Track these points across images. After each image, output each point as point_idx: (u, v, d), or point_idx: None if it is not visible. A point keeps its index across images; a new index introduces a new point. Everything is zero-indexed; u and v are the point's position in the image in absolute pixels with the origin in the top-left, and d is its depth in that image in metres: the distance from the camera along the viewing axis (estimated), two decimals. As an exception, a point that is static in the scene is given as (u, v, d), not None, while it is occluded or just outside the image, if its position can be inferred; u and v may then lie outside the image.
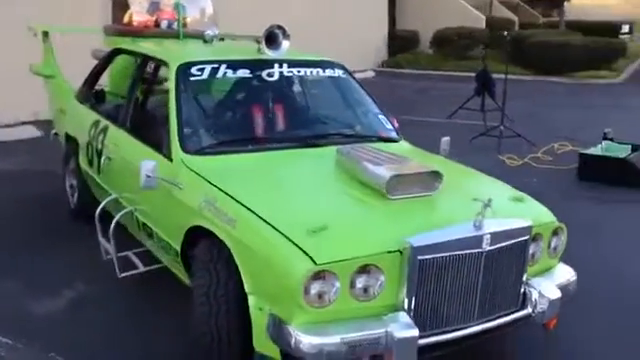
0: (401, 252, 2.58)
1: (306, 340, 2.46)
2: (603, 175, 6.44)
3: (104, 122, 4.44)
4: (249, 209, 2.83)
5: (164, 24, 5.39)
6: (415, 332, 2.51)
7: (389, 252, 2.58)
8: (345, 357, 2.50)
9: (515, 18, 21.75)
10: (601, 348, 3.45)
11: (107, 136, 4.28)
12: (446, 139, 3.98)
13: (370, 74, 15.68)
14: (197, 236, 3.09)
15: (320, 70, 4.16)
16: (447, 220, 2.76)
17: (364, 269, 2.54)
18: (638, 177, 6.27)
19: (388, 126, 4.09)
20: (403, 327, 2.51)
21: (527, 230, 2.88)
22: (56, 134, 5.76)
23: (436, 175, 3.00)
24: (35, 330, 3.53)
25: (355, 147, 3.36)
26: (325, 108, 4.17)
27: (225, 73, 3.87)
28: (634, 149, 6.77)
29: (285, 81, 4.05)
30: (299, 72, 4.06)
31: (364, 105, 4.19)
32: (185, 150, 3.45)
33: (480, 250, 2.70)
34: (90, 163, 4.61)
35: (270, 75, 3.95)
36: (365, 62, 16.15)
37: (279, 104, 3.97)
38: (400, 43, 18.45)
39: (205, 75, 3.82)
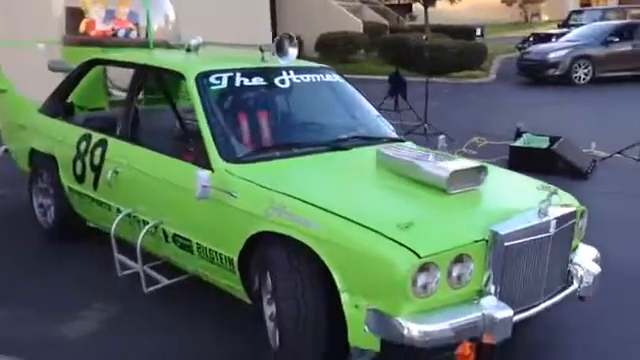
0: (486, 240, 2.81)
1: (418, 329, 2.63)
2: (532, 165, 6.99)
3: (98, 136, 4.30)
4: (327, 210, 2.93)
5: (121, 33, 5.29)
6: (510, 312, 2.77)
7: (476, 241, 2.80)
8: (449, 341, 2.69)
9: (387, 22, 22.80)
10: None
11: (109, 150, 4.15)
12: (442, 137, 4.28)
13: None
14: (259, 242, 3.14)
15: (321, 76, 4.29)
16: (515, 209, 3.03)
17: (458, 259, 2.75)
18: (564, 164, 6.93)
19: (391, 127, 4.31)
20: (500, 309, 2.75)
21: (574, 214, 3.23)
22: (6, 150, 5.45)
23: (482, 169, 3.26)
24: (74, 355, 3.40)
25: (394, 148, 3.56)
26: (336, 112, 4.29)
27: (242, 81, 3.91)
28: (552, 140, 7.46)
29: (296, 88, 4.14)
30: (305, 79, 4.17)
31: (365, 108, 4.37)
32: (226, 159, 3.46)
33: (548, 234, 3.00)
34: (79, 179, 4.43)
35: (282, 82, 4.04)
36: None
37: (298, 110, 4.08)
38: (284, 48, 18.65)
39: (224, 84, 3.84)
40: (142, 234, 3.77)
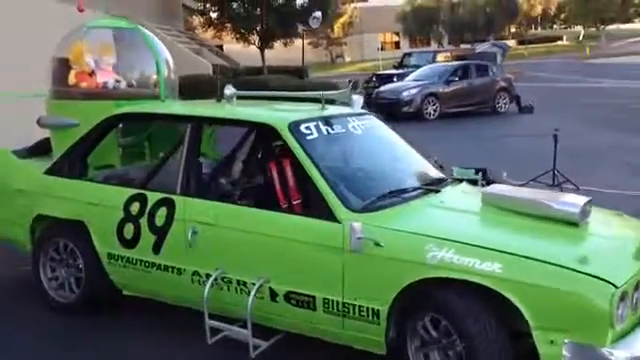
0: None
1: (625, 356, 2.85)
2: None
3: (157, 195, 4.00)
4: (500, 251, 3.06)
5: (110, 84, 4.92)
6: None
7: None
8: None
9: (226, 64, 22.94)
10: None
11: (180, 209, 3.88)
12: (504, 174, 4.56)
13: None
14: (412, 289, 3.18)
15: (368, 121, 4.38)
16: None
17: (638, 285, 3.01)
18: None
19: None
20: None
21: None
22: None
23: (590, 202, 3.59)
24: None
25: (499, 188, 3.77)
26: (398, 155, 4.35)
27: (327, 130, 3.91)
28: (476, 172, 8.08)
29: (364, 134, 4.18)
30: (364, 124, 4.24)
31: (409, 149, 4.49)
32: (352, 210, 3.44)
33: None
34: (129, 244, 4.07)
35: (355, 129, 4.10)
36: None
37: (378, 156, 4.13)
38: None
39: (315, 133, 3.82)
40: (252, 295, 3.58)
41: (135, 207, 4.05)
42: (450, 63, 19.05)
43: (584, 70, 34.62)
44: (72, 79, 4.92)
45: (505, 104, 17.33)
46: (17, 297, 4.84)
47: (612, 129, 13.40)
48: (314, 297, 3.49)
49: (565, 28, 72.47)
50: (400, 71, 20.67)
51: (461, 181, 4.32)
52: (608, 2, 53.05)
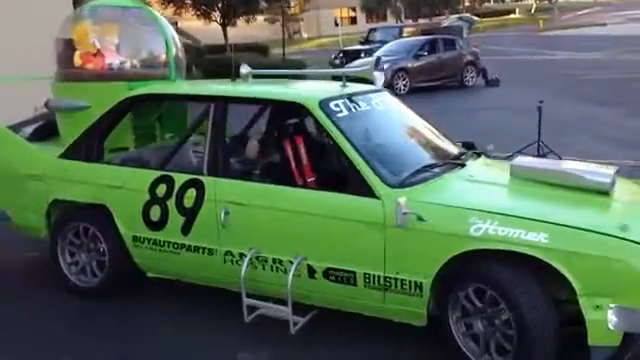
0: None
1: None
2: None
3: (184, 176, 3.97)
4: (545, 221, 3.15)
5: (115, 64, 4.83)
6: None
7: None
8: None
9: (189, 41, 22.65)
10: None
11: (210, 190, 3.87)
12: (491, 147, 4.66)
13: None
14: (456, 261, 3.26)
15: (385, 97, 4.42)
16: None
17: None
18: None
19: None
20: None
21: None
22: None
23: (617, 171, 3.70)
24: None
25: (528, 160, 3.86)
26: (416, 130, 4.39)
27: (355, 107, 3.93)
28: (464, 145, 8.20)
29: (387, 110, 4.22)
30: (382, 101, 4.28)
31: (425, 123, 4.54)
32: (391, 186, 3.49)
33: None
34: (155, 226, 4.05)
35: (377, 105, 4.14)
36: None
37: (403, 131, 4.16)
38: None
39: (344, 110, 3.84)
40: (292, 272, 3.60)
41: (161, 189, 4.01)
42: (418, 38, 19.14)
43: (538, 43, 35.17)
44: (77, 60, 4.82)
45: (472, 77, 17.58)
46: (30, 284, 4.77)
47: (577, 101, 13.74)
48: (354, 272, 3.54)
49: (516, 1, 73.43)
50: (367, 47, 20.70)
51: (479, 155, 4.39)
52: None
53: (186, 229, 3.97)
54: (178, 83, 4.67)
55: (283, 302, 3.69)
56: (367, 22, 52.00)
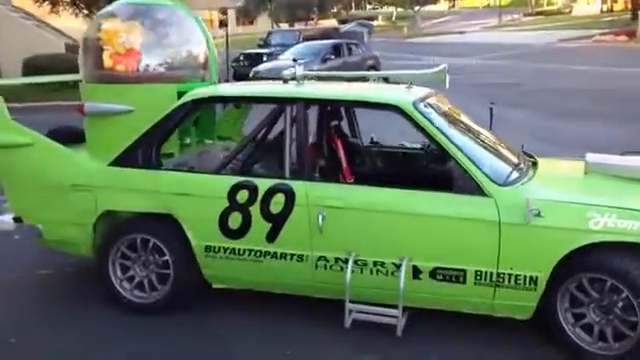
0: None
1: None
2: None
3: (269, 181, 3.82)
4: None
5: (142, 66, 4.54)
6: None
7: None
8: None
9: (70, 41, 21.32)
10: None
11: (300, 194, 3.76)
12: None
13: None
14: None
15: (444, 98, 4.50)
16: None
17: None
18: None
19: None
20: None
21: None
22: (18, 220, 4.27)
23: None
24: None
25: (602, 157, 4.09)
26: (482, 129, 4.44)
27: (436, 108, 3.98)
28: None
29: (453, 110, 4.31)
30: (444, 102, 4.37)
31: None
32: (500, 184, 3.59)
33: None
34: (235, 234, 3.87)
35: (444, 105, 4.24)
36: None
37: (479, 130, 4.24)
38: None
39: (431, 110, 3.88)
40: (403, 274, 3.59)
41: (243, 195, 3.83)
42: (324, 42, 19.34)
43: (409, 49, 36.60)
44: (107, 61, 4.47)
45: (374, 81, 17.97)
46: (60, 305, 4.36)
47: (481, 103, 14.44)
48: (464, 270, 3.59)
49: (375, 9, 76.21)
50: (268, 50, 20.65)
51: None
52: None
53: (272, 236, 3.82)
54: (240, 85, 4.49)
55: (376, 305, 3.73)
56: (237, 25, 51.72)
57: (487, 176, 3.59)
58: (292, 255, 3.82)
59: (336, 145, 4.37)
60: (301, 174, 3.84)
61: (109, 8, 4.58)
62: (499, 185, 3.57)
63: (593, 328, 3.52)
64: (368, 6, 74.37)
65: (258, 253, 3.87)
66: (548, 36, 38.53)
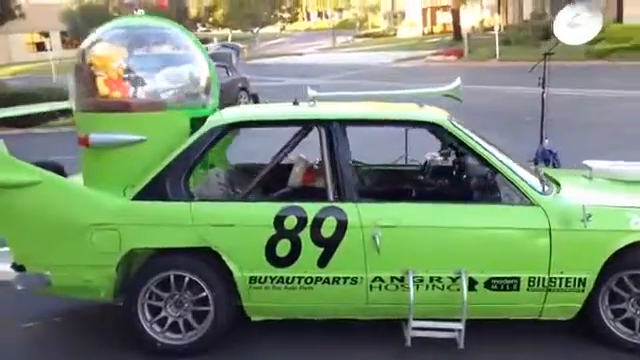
0: None
1: None
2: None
3: (317, 205, 3.72)
4: None
5: (156, 91, 4.24)
6: None
7: None
8: None
9: None
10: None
11: (351, 217, 3.71)
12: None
13: None
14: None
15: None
16: None
17: None
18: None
19: None
20: None
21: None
22: (19, 267, 3.80)
23: None
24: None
25: (603, 164, 4.43)
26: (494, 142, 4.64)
27: (460, 124, 4.11)
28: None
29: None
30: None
31: None
32: (542, 194, 3.81)
33: None
34: (282, 262, 3.74)
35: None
36: None
37: (493, 143, 4.39)
38: None
39: (461, 126, 4.00)
40: (465, 288, 3.65)
41: (290, 221, 3.69)
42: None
43: (254, 70, 36.40)
44: (102, 88, 4.13)
45: (246, 103, 18.00)
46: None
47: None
48: (518, 278, 3.73)
49: (208, 31, 75.62)
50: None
51: None
52: (259, 7, 57.24)
53: (323, 261, 3.72)
54: (264, 107, 4.33)
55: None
56: (63, 47, 48.95)
57: (531, 186, 3.78)
58: (345, 279, 3.74)
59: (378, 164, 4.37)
60: (350, 195, 3.79)
61: (100, 31, 4.23)
62: (542, 194, 3.77)
63: (635, 321, 3.81)
64: (201, 28, 73.77)
65: (309, 279, 3.75)
66: (383, 57, 40.34)
